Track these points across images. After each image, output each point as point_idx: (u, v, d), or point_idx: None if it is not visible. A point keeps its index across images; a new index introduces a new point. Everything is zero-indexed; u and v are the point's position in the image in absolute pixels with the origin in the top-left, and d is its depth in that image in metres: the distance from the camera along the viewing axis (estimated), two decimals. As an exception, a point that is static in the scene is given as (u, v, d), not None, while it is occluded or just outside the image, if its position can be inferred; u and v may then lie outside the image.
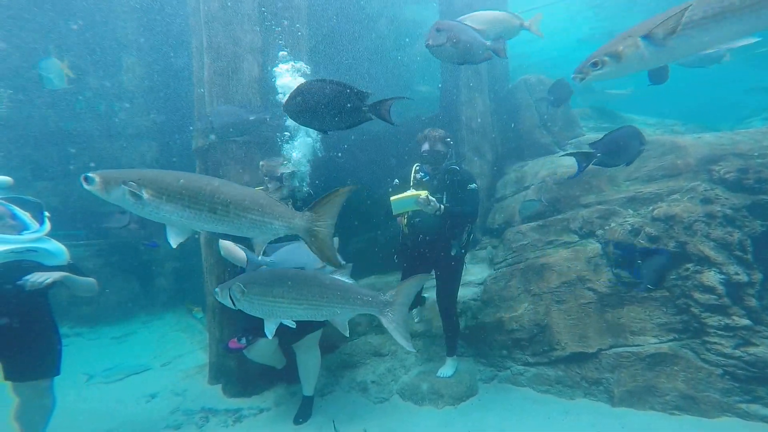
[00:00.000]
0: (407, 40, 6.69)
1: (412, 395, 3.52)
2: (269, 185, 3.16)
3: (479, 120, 5.22)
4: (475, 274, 4.49)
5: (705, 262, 3.25)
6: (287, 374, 3.78)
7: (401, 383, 3.69)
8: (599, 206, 4.02)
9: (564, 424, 2.85)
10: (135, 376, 4.57)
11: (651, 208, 3.76)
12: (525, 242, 4.18)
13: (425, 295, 4.19)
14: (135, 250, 6.61)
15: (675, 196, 3.82)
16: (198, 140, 4.13)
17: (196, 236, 4.25)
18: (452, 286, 3.56)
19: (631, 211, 3.89)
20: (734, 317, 2.95)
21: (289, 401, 3.67)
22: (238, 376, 3.87)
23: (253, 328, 3.11)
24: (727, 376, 2.86)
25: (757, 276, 3.20)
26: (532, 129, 5.28)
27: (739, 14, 1.72)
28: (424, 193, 3.06)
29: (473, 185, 3.35)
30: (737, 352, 2.86)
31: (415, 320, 4.18)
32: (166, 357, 5.12)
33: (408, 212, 3.32)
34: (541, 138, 5.25)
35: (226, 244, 3.05)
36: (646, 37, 1.92)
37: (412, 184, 3.41)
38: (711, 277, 3.14)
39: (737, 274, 3.14)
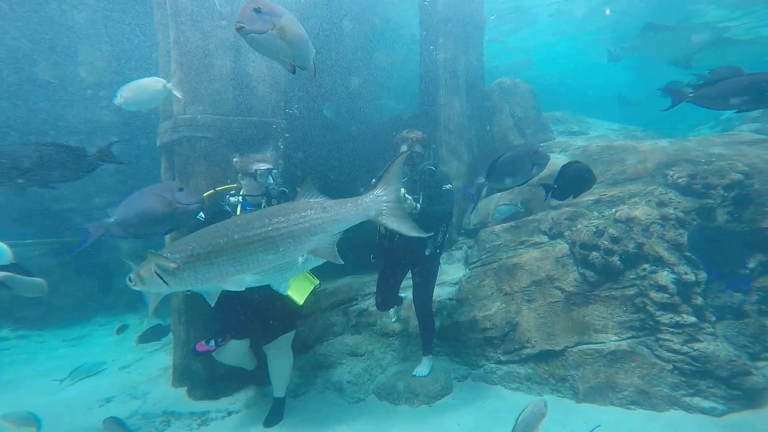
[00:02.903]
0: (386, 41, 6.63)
1: (389, 395, 3.57)
2: (242, 182, 3.11)
3: (456, 121, 5.28)
4: (450, 273, 4.59)
5: (660, 262, 3.49)
6: (258, 376, 3.72)
7: (377, 383, 3.73)
8: (567, 208, 4.22)
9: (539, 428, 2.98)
10: (89, 379, 4.35)
11: (614, 210, 3.99)
12: (498, 242, 4.32)
13: (402, 295, 4.24)
14: (93, 248, 6.21)
15: (635, 199, 4.07)
16: (164, 136, 3.91)
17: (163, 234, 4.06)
18: (428, 285, 3.62)
19: (596, 213, 4.10)
20: (683, 315, 3.21)
21: (260, 403, 3.62)
22: (205, 378, 3.76)
23: (224, 330, 3.04)
24: (676, 371, 3.10)
25: (702, 275, 3.49)
26: (506, 131, 5.42)
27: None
28: (400, 191, 3.09)
29: (448, 186, 3.41)
30: (685, 348, 3.10)
31: (392, 320, 4.23)
32: (125, 360, 4.90)
33: None
34: (514, 140, 5.40)
35: None
36: None
37: None
38: (664, 277, 3.38)
39: (686, 273, 3.41)
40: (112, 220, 2.34)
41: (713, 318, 3.31)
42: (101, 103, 6.20)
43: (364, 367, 3.91)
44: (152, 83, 3.23)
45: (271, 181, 3.03)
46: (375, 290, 3.86)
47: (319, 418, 3.37)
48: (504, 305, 3.83)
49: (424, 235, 1.82)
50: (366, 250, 3.84)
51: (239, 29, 1.86)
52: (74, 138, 6.05)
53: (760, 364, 3.29)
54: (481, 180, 2.68)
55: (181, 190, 2.34)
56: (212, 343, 2.97)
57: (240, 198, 3.05)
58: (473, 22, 5.65)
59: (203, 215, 2.95)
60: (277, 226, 1.66)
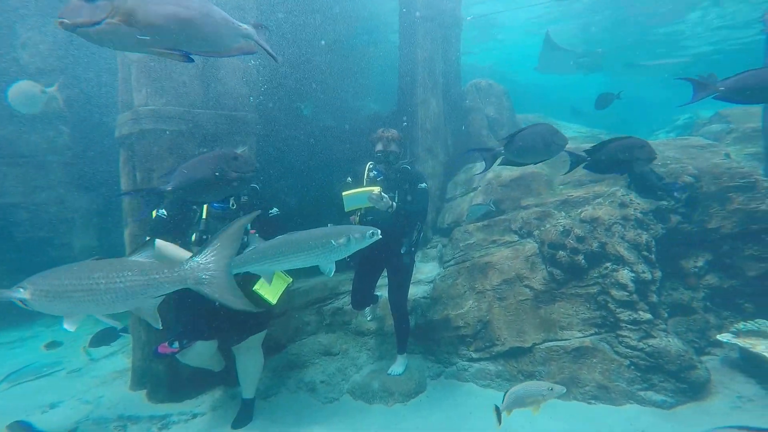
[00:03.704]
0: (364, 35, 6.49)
1: (363, 394, 3.58)
2: None
3: (433, 121, 5.30)
4: (425, 272, 4.65)
5: (620, 261, 3.69)
6: (226, 377, 3.62)
7: (352, 382, 3.73)
8: (537, 208, 4.36)
9: (503, 418, 3.10)
10: (33, 382, 4.06)
11: (579, 210, 4.16)
12: (471, 241, 4.41)
13: (378, 293, 4.25)
14: (42, 245, 5.73)
15: (599, 200, 4.26)
16: (123, 127, 3.64)
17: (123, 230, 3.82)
18: (403, 284, 3.65)
19: (563, 214, 4.27)
20: (640, 312, 3.43)
21: (227, 405, 3.53)
22: (168, 380, 3.62)
23: (189, 331, 2.93)
24: (632, 367, 3.31)
25: (658, 274, 3.74)
26: (481, 132, 5.50)
27: None
28: (377, 189, 3.08)
29: (423, 185, 3.44)
30: (641, 344, 3.31)
31: (368, 318, 4.24)
32: (76, 363, 4.61)
33: (360, 210, 3.33)
34: (488, 141, 5.49)
35: (162, 245, 2.78)
36: None
37: (365, 182, 3.43)
38: (624, 275, 3.59)
39: (644, 272, 3.63)
40: (168, 187, 2.27)
41: (666, 315, 3.57)
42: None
43: (338, 367, 3.90)
44: (30, 87, 3.09)
45: None
46: (350, 289, 3.84)
47: (290, 419, 3.33)
48: (476, 303, 3.94)
49: (253, 309, 1.81)
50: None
51: (61, 25, 1.45)
52: (14, 128, 5.48)
53: (704, 358, 3.60)
54: (500, 149, 2.63)
55: (236, 158, 2.31)
56: (176, 344, 2.86)
57: None
58: (451, 21, 5.68)
59: (165, 212, 2.81)
60: (97, 282, 1.65)
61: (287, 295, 3.57)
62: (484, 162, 2.86)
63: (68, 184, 5.72)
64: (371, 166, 3.48)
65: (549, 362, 3.46)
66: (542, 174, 4.70)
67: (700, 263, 4.00)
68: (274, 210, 3.10)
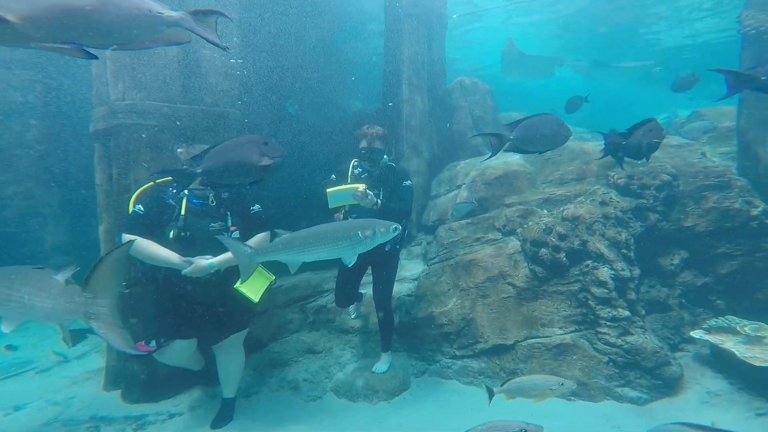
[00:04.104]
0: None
1: (347, 392, 3.57)
2: None
3: (418, 118, 5.30)
4: (410, 269, 4.65)
5: (601, 258, 3.76)
6: (206, 376, 3.54)
7: (336, 380, 3.72)
8: (520, 206, 4.40)
9: (484, 415, 3.09)
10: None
11: (561, 208, 4.22)
12: (456, 239, 4.43)
13: (362, 291, 4.24)
14: (5, 240, 5.49)
15: (580, 199, 4.33)
16: (98, 122, 3.51)
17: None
18: (388, 282, 3.65)
19: (545, 211, 4.32)
20: (619, 309, 3.50)
21: (207, 404, 3.46)
22: (144, 380, 3.53)
23: (167, 329, 2.85)
24: (610, 363, 3.37)
25: (636, 271, 3.82)
26: (465, 130, 5.52)
27: None
28: (362, 186, 3.08)
29: (408, 182, 3.45)
30: (619, 341, 3.38)
31: (352, 316, 4.22)
32: (45, 362, 4.45)
33: (345, 207, 3.32)
34: (473, 139, 5.51)
35: (131, 239, 2.68)
36: None
37: (349, 179, 3.41)
38: (604, 273, 3.65)
39: (623, 270, 3.71)
40: (199, 169, 2.31)
41: (643, 312, 3.65)
42: (12, 81, 5.37)
43: (321, 365, 3.87)
44: None
45: None
46: (334, 286, 3.81)
47: (272, 418, 3.29)
48: (460, 301, 3.95)
49: (134, 353, 1.82)
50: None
51: None
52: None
53: (678, 354, 3.70)
54: (509, 135, 2.61)
55: (266, 144, 2.34)
56: (153, 343, 2.79)
57: (186, 192, 2.85)
58: (437, 19, 5.68)
59: (142, 208, 2.74)
60: (19, 293, 1.64)
61: (269, 293, 3.51)
62: (490, 148, 2.84)
63: (40, 180, 5.49)
64: (356, 163, 3.46)
65: (531, 359, 3.51)
66: (525, 172, 4.74)
67: (676, 261, 4.10)
68: (256, 207, 3.05)
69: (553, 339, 3.54)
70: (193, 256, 2.70)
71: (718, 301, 4.04)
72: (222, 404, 3.27)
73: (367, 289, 4.14)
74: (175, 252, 2.69)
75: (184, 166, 2.47)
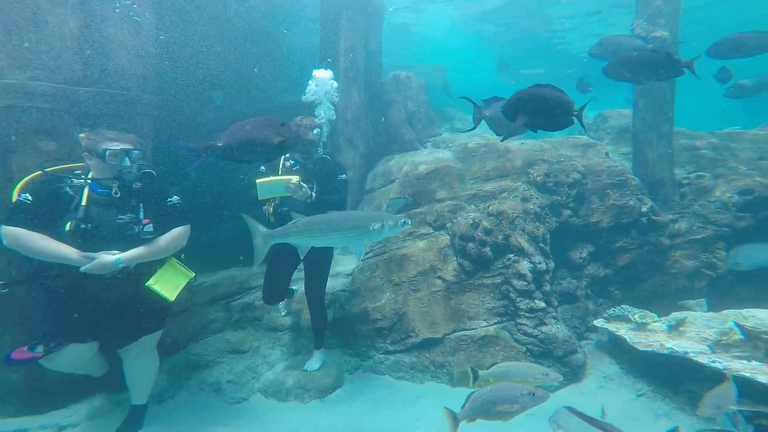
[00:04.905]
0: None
1: (276, 392, 3.49)
2: (89, 161, 2.63)
3: (354, 111, 5.21)
4: (344, 264, 4.60)
5: (521, 252, 4.05)
6: (109, 381, 3.20)
7: (264, 380, 3.61)
8: (450, 201, 4.55)
9: (415, 409, 3.25)
10: None
11: (487, 204, 4.45)
12: (389, 234, 4.46)
13: (294, 287, 4.12)
14: None
15: (504, 194, 4.59)
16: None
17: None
18: (321, 277, 3.60)
19: (473, 207, 4.52)
20: (536, 300, 3.81)
21: (110, 413, 3.16)
22: (26, 389, 3.12)
23: (58, 332, 2.53)
24: (528, 353, 3.66)
25: (551, 264, 4.19)
26: (400, 125, 5.53)
27: None
28: (295, 178, 3.01)
29: (344, 176, 3.42)
30: (535, 331, 3.68)
31: (282, 313, 4.10)
32: None
33: (275, 199, 3.24)
34: (406, 134, 5.55)
35: (13, 231, 2.36)
36: None
37: (280, 171, 3.30)
38: (524, 266, 3.94)
39: (540, 263, 4.03)
40: (220, 143, 2.35)
41: (556, 303, 4.02)
42: None
43: (247, 365, 3.74)
44: None
45: (128, 163, 2.62)
46: (262, 283, 3.67)
47: (191, 422, 3.11)
48: (393, 296, 4.02)
49: None
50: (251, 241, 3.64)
51: None
52: None
53: (583, 342, 4.14)
54: (486, 112, 2.61)
55: (283, 125, 2.46)
56: (38, 348, 2.46)
57: (89, 180, 2.60)
58: (374, 10, 5.58)
59: (29, 197, 2.43)
60: None
61: (189, 291, 3.32)
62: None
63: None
64: (288, 156, 3.35)
65: (458, 352, 3.69)
66: (455, 168, 4.91)
67: (584, 254, 4.57)
68: (174, 198, 2.83)
69: (479, 331, 3.76)
70: (96, 251, 2.43)
71: (616, 292, 4.57)
72: (129, 411, 3.01)
73: (298, 285, 4.03)
74: (72, 246, 2.41)
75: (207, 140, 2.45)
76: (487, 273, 4.01)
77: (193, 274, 2.92)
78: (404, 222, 2.62)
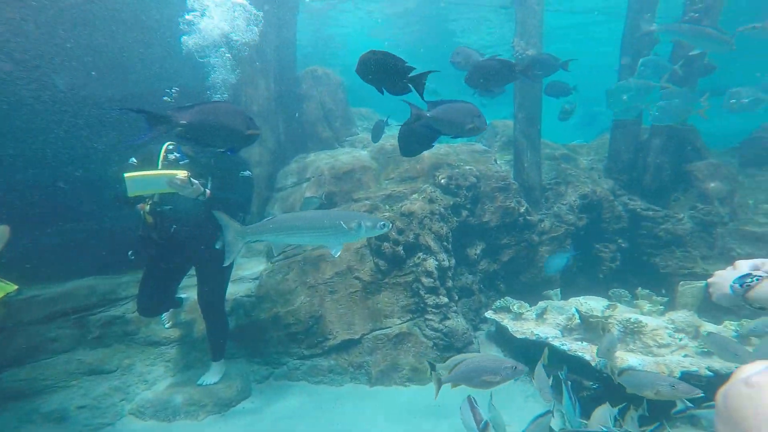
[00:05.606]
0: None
1: (158, 412, 3.09)
2: None
3: (261, 104, 4.73)
4: (249, 268, 4.21)
5: (429, 251, 4.31)
6: None
7: (138, 401, 3.19)
8: (366, 201, 4.56)
9: (334, 412, 3.20)
10: None
11: (400, 204, 4.60)
12: (303, 234, 4.23)
13: (183, 295, 3.64)
14: None
15: (415, 196, 4.81)
16: None
17: None
18: (219, 283, 3.27)
19: (387, 207, 4.62)
20: (441, 296, 4.10)
21: None
22: None
23: None
24: (434, 347, 3.90)
25: (453, 261, 4.57)
26: (316, 122, 5.26)
27: None
28: (183, 173, 2.66)
29: (248, 173, 3.15)
30: (440, 326, 3.95)
31: (166, 325, 3.59)
32: None
33: (154, 197, 2.85)
34: (323, 132, 5.32)
35: None
36: None
37: (161, 165, 2.88)
38: (431, 264, 4.20)
39: (444, 260, 4.35)
40: (183, 121, 2.21)
41: (457, 297, 4.41)
42: None
43: (114, 386, 3.26)
44: None
45: None
46: (137, 293, 3.17)
47: None
48: (308, 299, 3.85)
49: None
50: (120, 243, 3.14)
51: None
52: None
53: (478, 333, 4.63)
54: (426, 113, 2.51)
55: (251, 119, 2.42)
56: None
57: None
58: (288, 1, 5.08)
59: None
60: None
61: (12, 306, 2.98)
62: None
63: None
64: (171, 147, 2.93)
65: (375, 351, 3.76)
66: (372, 168, 4.94)
67: (478, 251, 5.10)
68: None
69: (393, 329, 3.88)
70: None
71: (501, 285, 5.23)
72: None
73: (189, 293, 3.56)
74: None
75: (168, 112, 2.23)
76: (400, 271, 4.16)
77: (14, 287, 2.51)
78: (383, 224, 2.53)
